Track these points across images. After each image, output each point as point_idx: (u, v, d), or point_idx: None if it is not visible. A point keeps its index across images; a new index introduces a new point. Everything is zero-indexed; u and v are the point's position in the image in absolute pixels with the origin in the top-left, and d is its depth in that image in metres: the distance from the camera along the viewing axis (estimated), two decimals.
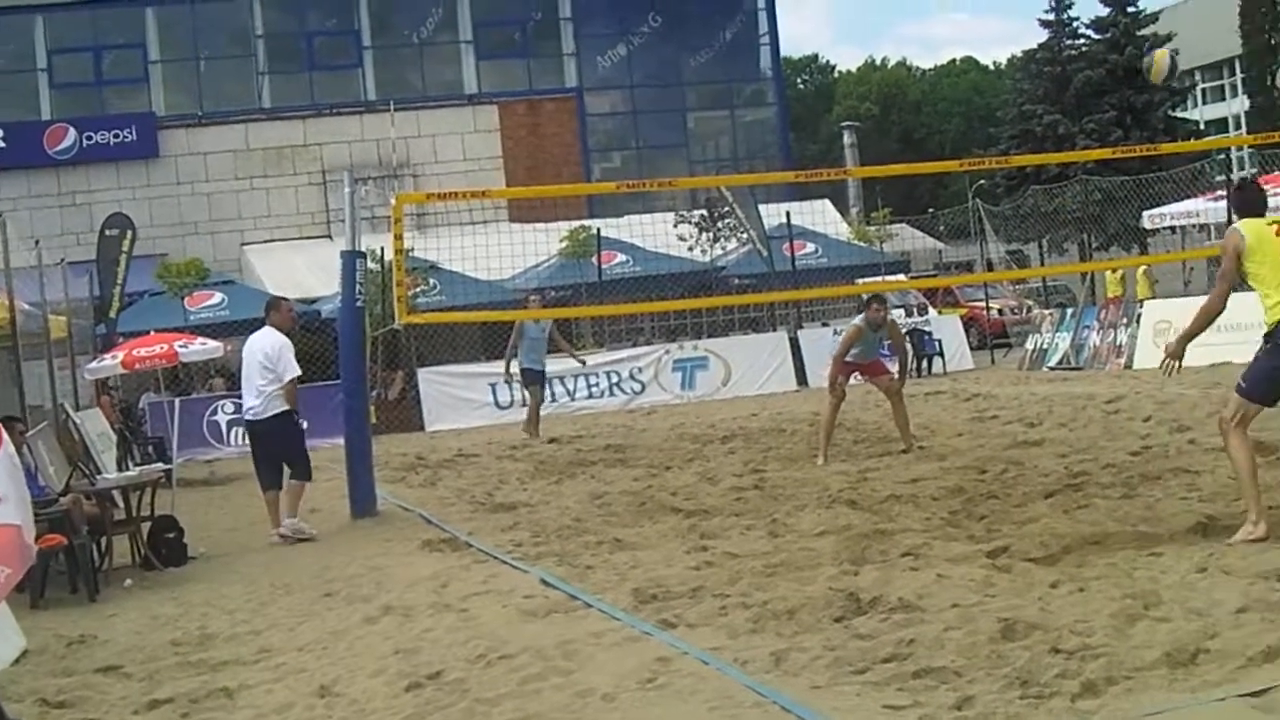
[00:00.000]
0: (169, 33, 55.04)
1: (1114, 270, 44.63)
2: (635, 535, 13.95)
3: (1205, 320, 11.06)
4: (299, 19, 56.97)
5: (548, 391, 28.58)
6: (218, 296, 40.49)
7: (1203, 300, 11.40)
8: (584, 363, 30.95)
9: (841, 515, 13.79)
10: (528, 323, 26.87)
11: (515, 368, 27.40)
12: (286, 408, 17.09)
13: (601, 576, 11.84)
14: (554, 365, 28.99)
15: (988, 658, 8.00)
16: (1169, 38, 71.54)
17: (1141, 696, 7.13)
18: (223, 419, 32.00)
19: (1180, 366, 11.42)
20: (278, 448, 17.31)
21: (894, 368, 20.75)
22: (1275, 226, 11.05)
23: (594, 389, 34.96)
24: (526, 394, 28.11)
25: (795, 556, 11.66)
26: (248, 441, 18.58)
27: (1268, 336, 10.82)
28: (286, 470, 17.31)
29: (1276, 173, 35.57)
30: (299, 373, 17.34)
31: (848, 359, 20.06)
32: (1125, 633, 8.14)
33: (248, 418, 17.46)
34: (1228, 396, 11.35)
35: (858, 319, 20.42)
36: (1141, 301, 35.47)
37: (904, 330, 34.22)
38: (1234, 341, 11.08)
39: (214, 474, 26.76)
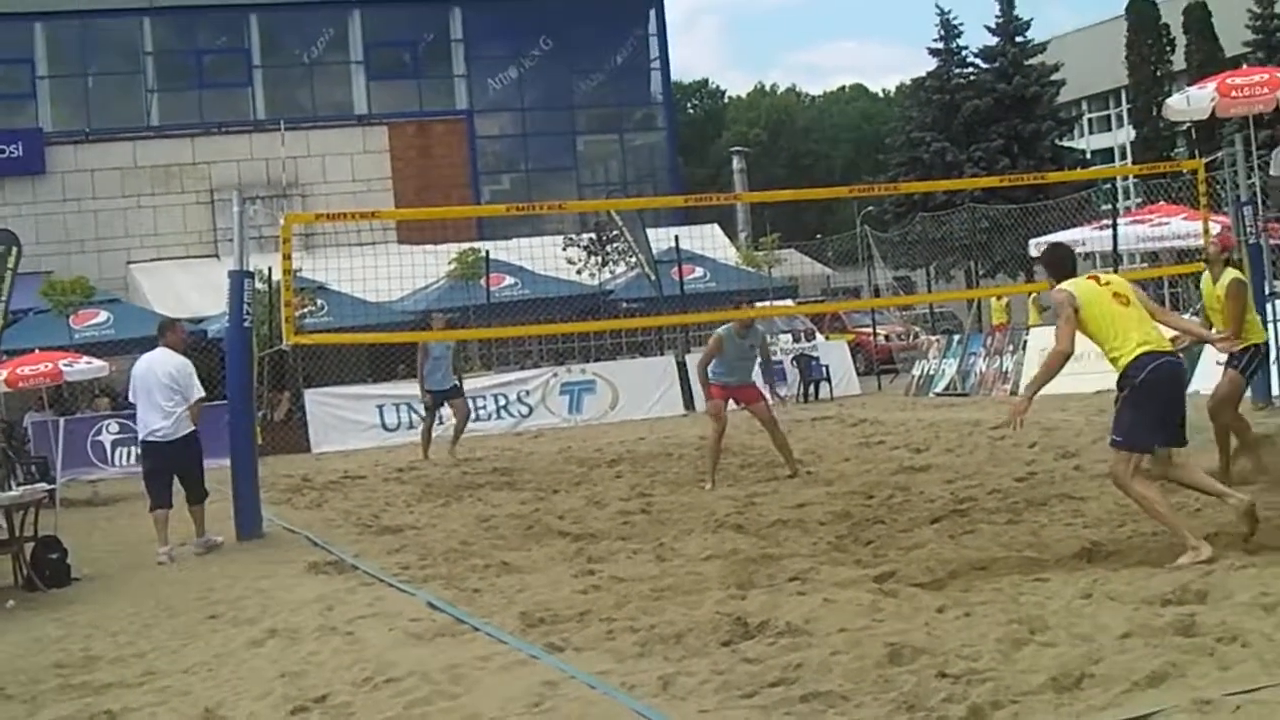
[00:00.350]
0: (57, 48, 54.62)
1: (1000, 297, 45.04)
2: (522, 559, 13.91)
3: (1053, 369, 11.12)
4: (189, 37, 56.65)
5: (442, 411, 28.27)
6: (103, 315, 40.06)
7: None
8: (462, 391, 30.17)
9: (729, 540, 13.81)
10: (432, 342, 26.86)
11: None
12: (194, 428, 17.24)
13: (489, 600, 11.79)
14: None
15: (875, 682, 8.01)
16: (1056, 68, 72.44)
17: None
18: (107, 439, 31.56)
19: (1023, 423, 11.54)
20: (185, 467, 17.39)
21: (767, 391, 20.60)
22: (1093, 281, 11.28)
23: (481, 411, 34.75)
24: (426, 414, 28.06)
25: (682, 581, 11.66)
26: (136, 461, 18.50)
27: (1120, 384, 10.94)
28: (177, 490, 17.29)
29: (1162, 202, 35.97)
30: (204, 393, 17.46)
31: (721, 383, 19.88)
32: (1011, 657, 8.18)
33: (154, 439, 17.26)
34: (1111, 457, 11.35)
35: (721, 328, 20.20)
36: (1028, 328, 35.74)
37: (790, 355, 34.38)
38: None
39: (98, 494, 26.46)
